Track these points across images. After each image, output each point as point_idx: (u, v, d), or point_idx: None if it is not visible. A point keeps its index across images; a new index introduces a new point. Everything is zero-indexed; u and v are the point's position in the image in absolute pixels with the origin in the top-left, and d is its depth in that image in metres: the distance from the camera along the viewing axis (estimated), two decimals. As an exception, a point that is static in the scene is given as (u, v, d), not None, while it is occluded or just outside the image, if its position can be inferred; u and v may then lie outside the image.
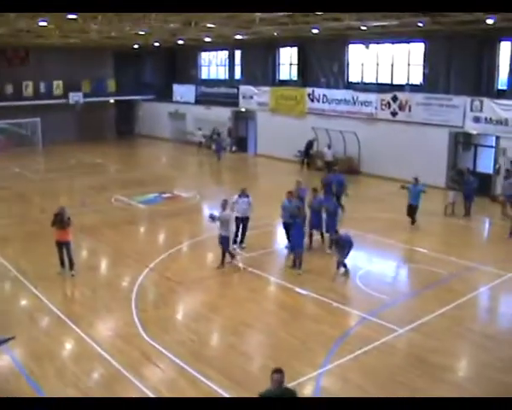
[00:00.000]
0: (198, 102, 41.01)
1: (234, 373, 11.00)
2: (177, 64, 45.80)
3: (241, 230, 18.19)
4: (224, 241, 16.40)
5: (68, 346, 12.44)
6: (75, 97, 41.06)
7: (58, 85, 40.84)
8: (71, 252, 16.03)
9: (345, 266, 16.00)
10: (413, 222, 20.32)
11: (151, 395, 10.22)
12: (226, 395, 10.21)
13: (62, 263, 16.02)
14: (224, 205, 16.56)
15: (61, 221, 15.71)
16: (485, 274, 16.34)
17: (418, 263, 17.21)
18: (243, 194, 18.13)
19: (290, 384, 10.48)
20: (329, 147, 30.20)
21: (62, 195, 26.15)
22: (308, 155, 32.07)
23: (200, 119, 40.05)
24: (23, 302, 14.61)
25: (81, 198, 24.78)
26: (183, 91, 42.18)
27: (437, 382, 10.75)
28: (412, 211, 20.31)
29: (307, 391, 10.51)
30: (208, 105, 39.81)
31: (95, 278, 16.28)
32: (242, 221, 18.08)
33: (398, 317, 13.44)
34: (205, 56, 43.81)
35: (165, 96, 43.40)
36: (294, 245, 16.55)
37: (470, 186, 21.86)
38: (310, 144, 32.00)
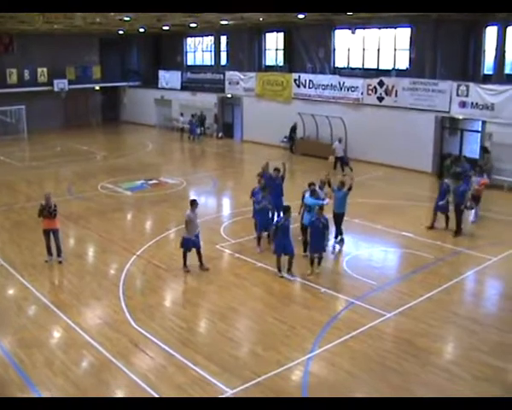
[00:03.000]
0: (184, 88, 40.75)
1: (222, 359, 11.03)
2: (162, 50, 45.56)
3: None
4: (196, 242, 15.40)
5: (56, 334, 12.40)
6: (60, 84, 40.65)
7: (43, 72, 40.39)
8: (59, 239, 15.97)
9: (319, 261, 15.12)
10: (337, 235, 17.32)
11: (140, 383, 10.24)
12: (214, 381, 10.25)
13: (49, 251, 15.95)
14: (194, 206, 15.41)
15: (48, 210, 15.62)
16: (472, 258, 16.47)
17: (405, 248, 17.31)
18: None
19: (278, 370, 10.60)
20: (340, 141, 27.76)
21: (48, 182, 25.97)
22: (292, 140, 32.14)
23: (186, 105, 39.85)
24: (10, 291, 14.52)
25: (67, 186, 24.67)
26: (169, 78, 41.88)
27: (425, 365, 10.85)
28: (337, 220, 17.23)
29: (295, 376, 10.58)
30: (194, 91, 39.64)
31: (82, 265, 16.20)
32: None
33: (385, 301, 13.54)
34: (190, 42, 43.61)
35: (151, 82, 43.16)
36: (284, 249, 14.88)
37: (467, 175, 20.83)
38: (293, 129, 32.02)
